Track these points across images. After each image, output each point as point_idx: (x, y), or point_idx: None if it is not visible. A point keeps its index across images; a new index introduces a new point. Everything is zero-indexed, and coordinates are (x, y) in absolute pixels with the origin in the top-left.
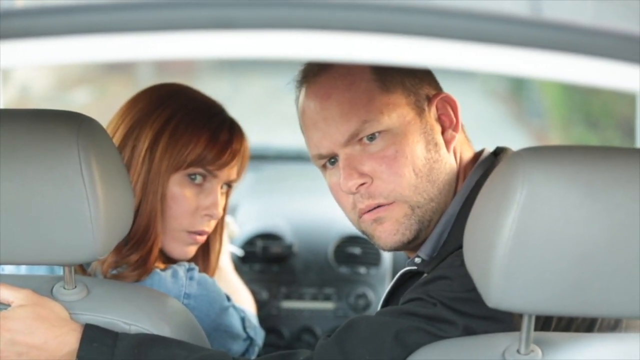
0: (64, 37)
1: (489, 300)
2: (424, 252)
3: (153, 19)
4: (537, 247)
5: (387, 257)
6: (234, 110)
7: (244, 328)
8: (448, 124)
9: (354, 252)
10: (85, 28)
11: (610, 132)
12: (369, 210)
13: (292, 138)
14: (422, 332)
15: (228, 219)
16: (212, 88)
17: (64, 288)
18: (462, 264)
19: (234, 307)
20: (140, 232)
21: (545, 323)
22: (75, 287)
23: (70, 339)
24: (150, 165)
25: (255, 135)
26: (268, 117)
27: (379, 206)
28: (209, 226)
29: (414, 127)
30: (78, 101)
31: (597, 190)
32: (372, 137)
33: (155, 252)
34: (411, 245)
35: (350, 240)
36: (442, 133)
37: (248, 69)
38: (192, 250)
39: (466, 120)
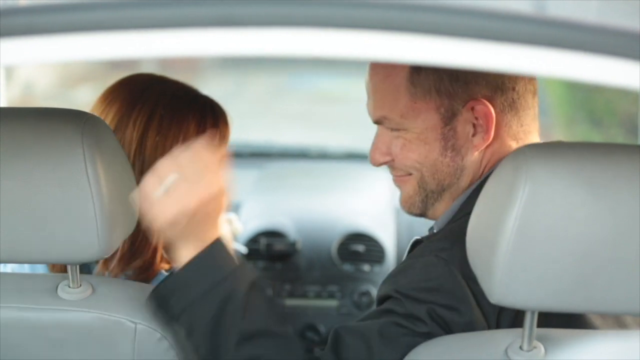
0: (67, 34)
1: (492, 296)
2: (437, 225)
3: (157, 16)
4: (540, 244)
5: (390, 254)
6: (237, 108)
7: None
8: (480, 129)
9: (358, 249)
10: (89, 26)
11: (613, 130)
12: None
13: (295, 136)
14: (402, 328)
15: (232, 216)
16: (215, 86)
17: (69, 286)
18: (429, 252)
19: None
20: (142, 236)
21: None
22: (80, 285)
23: None
24: (142, 166)
25: (259, 133)
26: (272, 114)
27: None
28: None
29: (433, 132)
30: (82, 99)
31: (599, 186)
32: (393, 129)
33: (159, 253)
34: (428, 216)
35: (354, 237)
36: (473, 136)
37: (252, 66)
38: None
39: None
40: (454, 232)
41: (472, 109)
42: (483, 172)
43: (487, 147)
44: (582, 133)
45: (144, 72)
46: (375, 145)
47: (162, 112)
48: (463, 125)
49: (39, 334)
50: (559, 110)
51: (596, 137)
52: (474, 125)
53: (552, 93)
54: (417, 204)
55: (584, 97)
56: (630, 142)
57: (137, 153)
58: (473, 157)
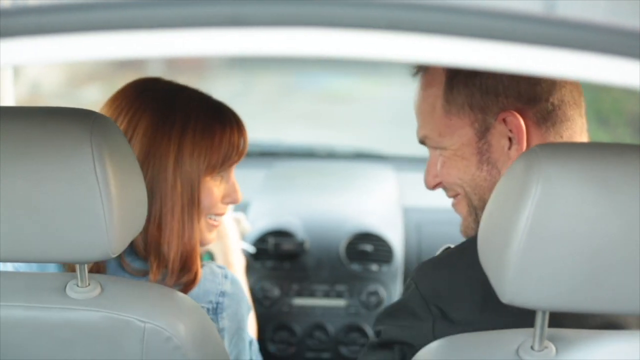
0: (75, 34)
1: (503, 295)
2: None
3: (164, 16)
4: (552, 244)
5: (399, 254)
6: (245, 108)
7: (250, 350)
8: (514, 141)
9: (366, 249)
10: (96, 25)
11: (620, 130)
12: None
13: (303, 135)
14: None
15: (240, 215)
16: (223, 85)
17: (78, 285)
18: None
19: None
20: (193, 254)
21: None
22: (89, 284)
23: None
24: (182, 177)
25: (267, 133)
26: (279, 114)
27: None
28: (227, 210)
29: (469, 147)
30: (89, 98)
31: (611, 186)
32: (435, 148)
33: (199, 261)
34: None
35: (362, 237)
36: (509, 148)
37: (259, 66)
38: (213, 236)
39: None
40: (461, 246)
41: (504, 121)
42: None
43: None
44: (589, 132)
45: (151, 76)
46: (427, 169)
47: (194, 124)
48: (498, 139)
49: (47, 333)
50: None
51: (603, 137)
52: (509, 138)
53: None
54: (472, 225)
55: (591, 96)
56: (638, 142)
57: (175, 166)
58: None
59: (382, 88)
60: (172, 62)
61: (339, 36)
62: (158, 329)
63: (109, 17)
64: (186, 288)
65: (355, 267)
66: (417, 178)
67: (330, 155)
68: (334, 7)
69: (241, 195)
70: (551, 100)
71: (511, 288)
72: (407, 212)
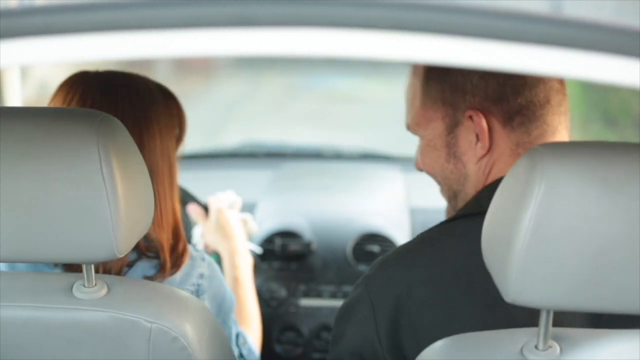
0: (82, 34)
1: (507, 295)
2: None
3: (172, 16)
4: (555, 243)
5: None
6: (251, 108)
7: (237, 343)
8: (479, 138)
9: (373, 250)
10: (103, 25)
11: (628, 130)
12: None
13: (309, 136)
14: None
15: (247, 216)
16: (229, 86)
17: (84, 286)
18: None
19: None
20: (177, 230)
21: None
22: (95, 285)
23: None
24: (171, 171)
25: (273, 133)
26: (286, 114)
27: None
28: None
29: (440, 140)
30: None
31: (615, 185)
32: (415, 135)
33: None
34: None
35: (369, 238)
36: (477, 144)
37: (265, 66)
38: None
39: None
40: (417, 240)
41: (471, 118)
42: (486, 180)
43: (488, 156)
44: (596, 133)
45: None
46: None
47: (156, 105)
48: (465, 134)
49: (54, 333)
50: (573, 110)
51: (611, 137)
52: (477, 135)
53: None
54: (451, 212)
55: (599, 96)
56: None
57: (161, 148)
58: (475, 165)
59: (388, 88)
60: (180, 63)
61: (346, 36)
62: (165, 330)
63: (115, 17)
64: (178, 263)
65: (362, 267)
66: (423, 179)
67: (337, 156)
68: (340, 7)
69: None
70: (518, 100)
71: (515, 287)
72: (413, 212)
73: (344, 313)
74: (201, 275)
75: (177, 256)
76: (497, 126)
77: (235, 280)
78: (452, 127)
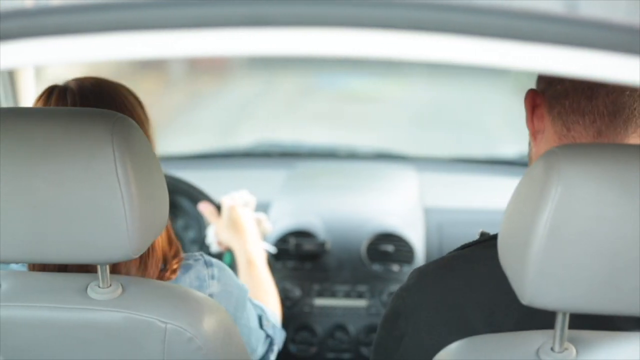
0: (96, 34)
1: (523, 297)
2: None
3: (185, 16)
4: (572, 245)
5: (420, 255)
6: (266, 108)
7: (261, 325)
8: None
9: (387, 249)
10: (116, 25)
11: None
12: None
13: (324, 135)
14: None
15: (261, 216)
16: (244, 86)
17: (99, 286)
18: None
19: (251, 301)
20: (176, 248)
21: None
22: (110, 285)
23: None
24: None
25: (288, 133)
26: (300, 114)
27: None
28: None
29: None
30: None
31: (632, 187)
32: None
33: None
34: None
35: (383, 237)
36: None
37: (280, 66)
38: None
39: (498, 117)
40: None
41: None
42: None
43: (539, 139)
44: None
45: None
46: None
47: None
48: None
49: (69, 333)
50: None
51: None
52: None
53: None
54: None
55: None
56: None
57: None
58: (534, 146)
59: (403, 88)
60: (194, 63)
61: (360, 36)
62: (180, 330)
63: (129, 17)
64: (173, 267)
65: (377, 267)
66: (438, 178)
67: (352, 155)
68: (354, 7)
69: None
70: (565, 85)
71: (531, 290)
72: (428, 212)
73: (384, 323)
74: (210, 296)
75: (170, 260)
76: (545, 109)
77: (249, 264)
78: (531, 105)
